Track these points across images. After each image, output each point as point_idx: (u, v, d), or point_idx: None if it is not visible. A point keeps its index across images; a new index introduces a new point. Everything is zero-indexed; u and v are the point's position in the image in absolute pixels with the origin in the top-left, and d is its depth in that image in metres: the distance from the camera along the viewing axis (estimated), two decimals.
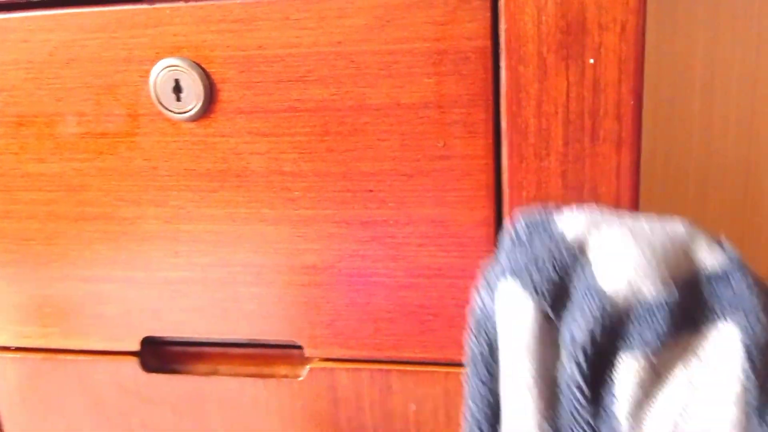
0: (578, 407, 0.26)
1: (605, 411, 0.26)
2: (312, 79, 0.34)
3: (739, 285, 0.26)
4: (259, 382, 0.40)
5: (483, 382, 0.28)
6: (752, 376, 0.24)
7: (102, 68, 0.35)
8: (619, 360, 0.26)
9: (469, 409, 0.29)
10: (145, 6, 0.34)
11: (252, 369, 0.40)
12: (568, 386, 0.26)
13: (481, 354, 0.28)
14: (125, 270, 0.39)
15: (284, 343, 0.39)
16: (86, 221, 0.38)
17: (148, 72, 0.35)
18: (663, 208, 0.70)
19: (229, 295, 0.38)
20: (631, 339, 0.26)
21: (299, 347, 0.39)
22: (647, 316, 0.25)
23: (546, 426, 0.26)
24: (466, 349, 0.29)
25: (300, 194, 0.36)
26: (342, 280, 0.37)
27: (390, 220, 0.35)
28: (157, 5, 0.34)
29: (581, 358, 0.25)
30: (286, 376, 0.40)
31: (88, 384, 0.42)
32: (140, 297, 0.39)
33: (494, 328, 0.28)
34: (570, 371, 0.26)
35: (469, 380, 0.29)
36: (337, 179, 0.35)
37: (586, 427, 0.26)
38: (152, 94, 0.35)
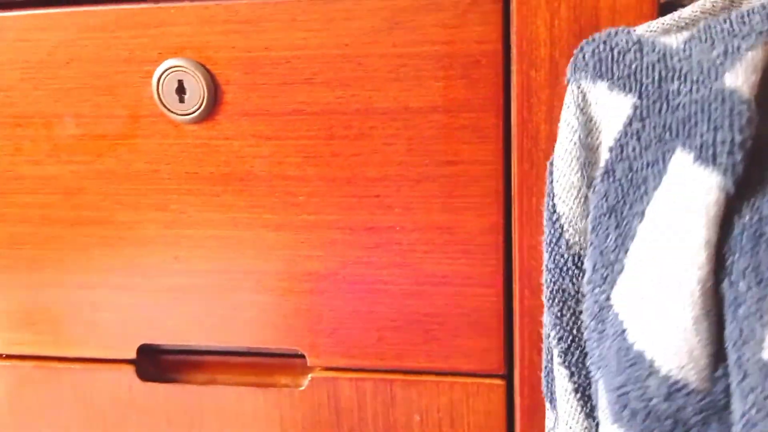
0: None
1: None
2: (318, 81, 0.33)
3: None
4: (259, 391, 0.39)
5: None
6: None
7: (102, 69, 0.34)
8: None
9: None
10: (148, 5, 0.33)
11: (252, 378, 0.39)
12: None
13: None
14: (122, 276, 0.38)
15: (286, 352, 0.39)
16: (83, 225, 0.37)
17: (150, 73, 0.34)
18: None
19: (230, 302, 0.37)
20: None
21: (301, 356, 0.38)
22: None
23: None
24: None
25: (304, 199, 0.35)
26: (345, 288, 0.36)
27: (396, 227, 0.35)
28: (161, 4, 0.33)
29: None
30: (287, 386, 0.39)
31: (82, 393, 0.41)
32: (137, 304, 0.38)
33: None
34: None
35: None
36: (342, 184, 0.35)
37: None
38: (155, 95, 0.34)
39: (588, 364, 0.25)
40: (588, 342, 0.25)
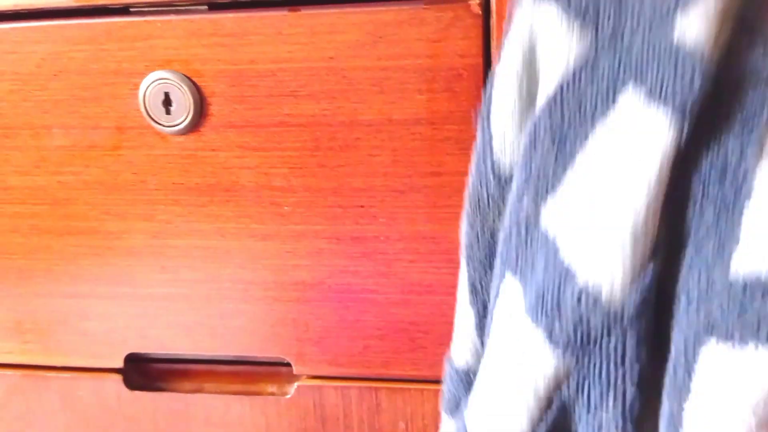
0: None
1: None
2: (303, 94, 0.34)
3: None
4: (246, 399, 0.39)
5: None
6: None
7: (90, 80, 0.35)
8: None
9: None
10: (135, 19, 0.34)
11: (238, 386, 0.40)
12: None
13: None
14: (110, 286, 0.38)
15: (272, 360, 0.39)
16: (71, 235, 0.38)
17: (137, 85, 0.34)
18: None
19: (217, 311, 0.38)
20: None
21: (287, 364, 0.38)
22: None
23: None
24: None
25: (290, 209, 0.36)
26: (332, 297, 0.37)
27: (381, 236, 0.35)
28: (149, 18, 0.34)
29: None
30: (273, 394, 0.39)
31: (70, 401, 0.41)
32: (125, 313, 0.39)
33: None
34: None
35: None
36: (328, 195, 0.35)
37: None
38: (141, 107, 0.34)
39: (499, 263, 0.26)
40: (504, 243, 0.26)
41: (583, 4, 0.24)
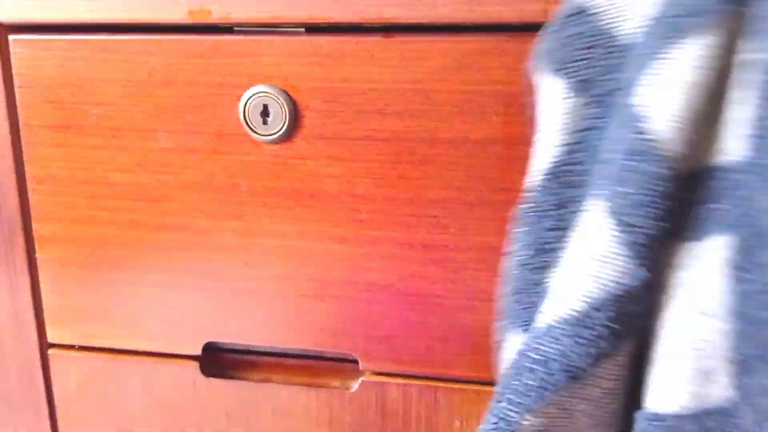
0: None
1: None
2: (390, 111, 0.37)
3: None
4: (312, 391, 0.42)
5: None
6: None
7: (196, 91, 0.39)
8: None
9: None
10: (241, 37, 0.38)
11: (305, 379, 0.43)
12: None
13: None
14: (195, 278, 0.42)
15: (339, 356, 0.42)
16: (164, 230, 0.41)
17: (239, 96, 0.38)
18: None
19: (293, 307, 0.41)
20: None
21: (353, 360, 0.41)
22: None
23: None
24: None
25: (368, 216, 0.39)
26: (400, 299, 0.40)
27: (451, 245, 0.38)
28: (252, 37, 0.37)
29: None
30: (337, 388, 0.42)
31: (149, 385, 0.44)
32: (207, 304, 0.42)
33: None
34: None
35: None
36: (404, 204, 0.38)
37: None
38: (241, 117, 0.38)
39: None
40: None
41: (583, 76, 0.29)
